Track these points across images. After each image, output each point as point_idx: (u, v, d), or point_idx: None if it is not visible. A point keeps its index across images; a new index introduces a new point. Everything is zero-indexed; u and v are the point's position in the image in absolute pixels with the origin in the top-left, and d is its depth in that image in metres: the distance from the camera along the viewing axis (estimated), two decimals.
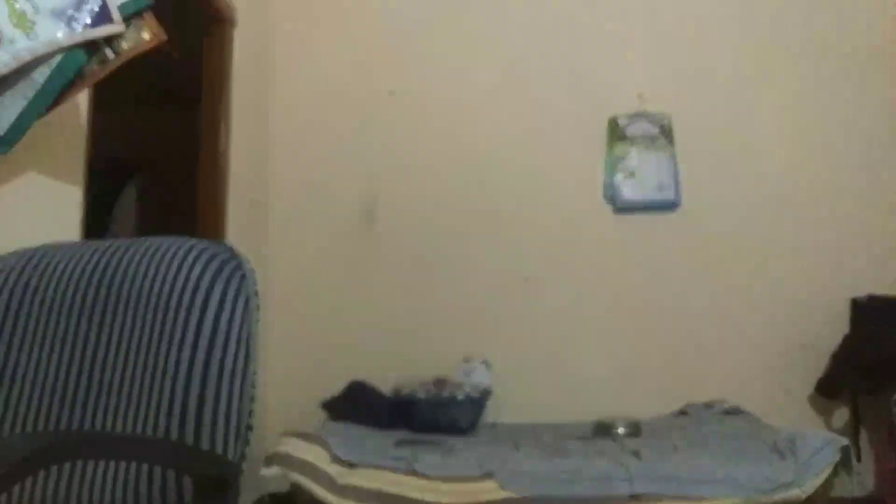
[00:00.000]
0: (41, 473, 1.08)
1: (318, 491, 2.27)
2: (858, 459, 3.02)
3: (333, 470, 2.32)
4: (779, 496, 2.32)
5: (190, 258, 1.19)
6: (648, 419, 2.99)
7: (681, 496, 2.31)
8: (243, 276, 1.18)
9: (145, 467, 1.05)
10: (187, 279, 1.16)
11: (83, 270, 1.23)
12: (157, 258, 1.21)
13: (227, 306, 1.14)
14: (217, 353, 1.10)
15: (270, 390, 3.19)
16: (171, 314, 1.14)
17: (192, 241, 1.25)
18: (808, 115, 3.40)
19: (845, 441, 2.55)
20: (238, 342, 1.12)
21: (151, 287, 1.17)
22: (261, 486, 2.88)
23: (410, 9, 3.59)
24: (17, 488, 1.07)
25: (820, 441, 2.50)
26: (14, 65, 1.37)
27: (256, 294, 1.19)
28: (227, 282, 1.16)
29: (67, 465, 1.09)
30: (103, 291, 1.19)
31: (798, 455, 2.45)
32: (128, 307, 1.17)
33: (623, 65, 3.49)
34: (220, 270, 1.17)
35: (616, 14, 3.53)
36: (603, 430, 2.85)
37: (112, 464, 1.07)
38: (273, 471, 2.36)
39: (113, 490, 1.06)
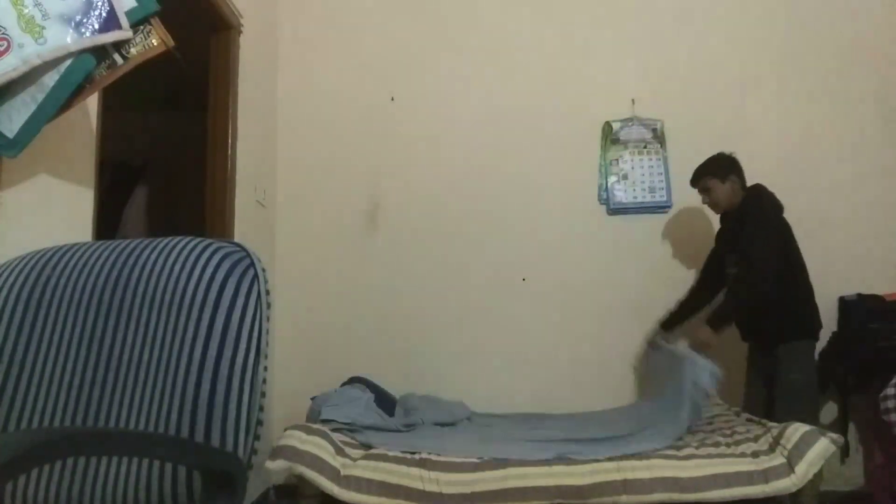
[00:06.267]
0: (55, 469, 1.09)
1: (324, 483, 2.27)
2: (847, 455, 3.07)
3: (338, 462, 2.34)
4: (770, 488, 2.37)
5: (203, 257, 1.20)
6: (641, 404, 3.04)
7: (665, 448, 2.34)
8: (255, 275, 1.19)
9: (156, 464, 1.05)
10: (201, 277, 1.16)
11: (100, 269, 1.23)
12: (172, 257, 1.21)
13: (239, 304, 1.14)
14: (228, 351, 1.10)
15: (275, 385, 3.24)
16: (184, 311, 1.14)
17: (206, 240, 1.25)
18: (797, 117, 3.44)
19: (835, 436, 2.59)
20: (249, 339, 1.12)
21: (166, 285, 1.17)
22: (266, 479, 2.89)
23: (411, 17, 3.64)
24: (31, 485, 1.09)
25: (810, 433, 2.55)
26: (23, 69, 1.37)
27: (268, 292, 1.19)
28: (240, 280, 1.17)
29: (81, 462, 1.09)
30: (119, 289, 1.20)
31: (788, 445, 2.49)
32: (142, 305, 1.17)
33: (617, 71, 3.52)
34: (232, 269, 1.18)
35: (610, 23, 3.58)
36: (597, 420, 2.89)
37: (124, 460, 1.07)
38: (278, 464, 2.32)
39: (125, 486, 1.06)
